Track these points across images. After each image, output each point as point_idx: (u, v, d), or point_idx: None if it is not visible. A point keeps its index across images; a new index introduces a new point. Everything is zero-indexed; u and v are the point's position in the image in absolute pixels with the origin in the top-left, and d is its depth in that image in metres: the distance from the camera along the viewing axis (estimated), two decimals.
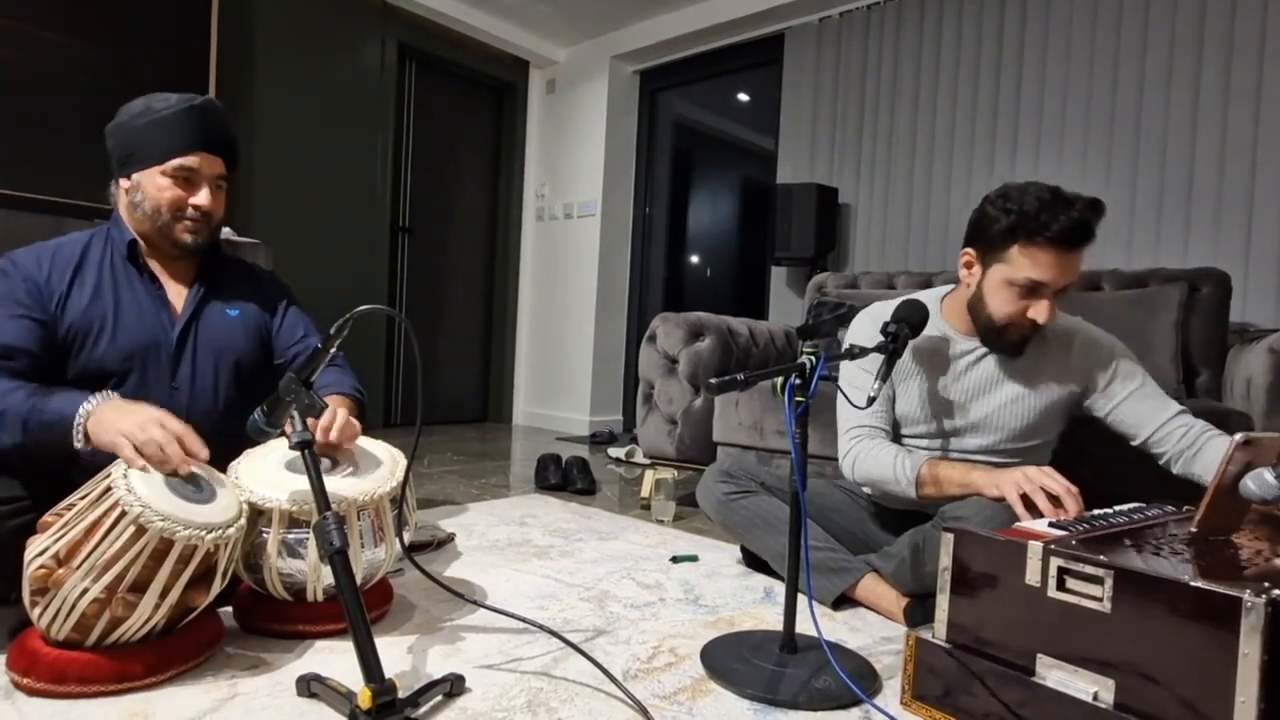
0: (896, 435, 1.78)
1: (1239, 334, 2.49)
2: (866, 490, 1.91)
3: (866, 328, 1.74)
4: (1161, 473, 1.62)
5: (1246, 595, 0.91)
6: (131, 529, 1.15)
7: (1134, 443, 1.65)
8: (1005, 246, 1.52)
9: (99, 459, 1.27)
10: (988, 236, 1.55)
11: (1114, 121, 3.13)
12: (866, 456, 1.69)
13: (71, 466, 1.37)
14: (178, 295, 1.59)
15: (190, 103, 1.51)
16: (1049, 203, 1.47)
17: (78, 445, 1.28)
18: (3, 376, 1.34)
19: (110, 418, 1.27)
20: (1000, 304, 1.56)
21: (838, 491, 1.93)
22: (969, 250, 1.62)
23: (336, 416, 1.45)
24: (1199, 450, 1.57)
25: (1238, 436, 1.18)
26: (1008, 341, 1.62)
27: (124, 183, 1.53)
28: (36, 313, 1.42)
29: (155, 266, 1.58)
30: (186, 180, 1.52)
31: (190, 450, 1.28)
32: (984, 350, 1.69)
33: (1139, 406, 1.63)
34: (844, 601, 1.73)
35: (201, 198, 1.53)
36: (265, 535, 1.39)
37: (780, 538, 1.79)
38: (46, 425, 1.29)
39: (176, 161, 1.49)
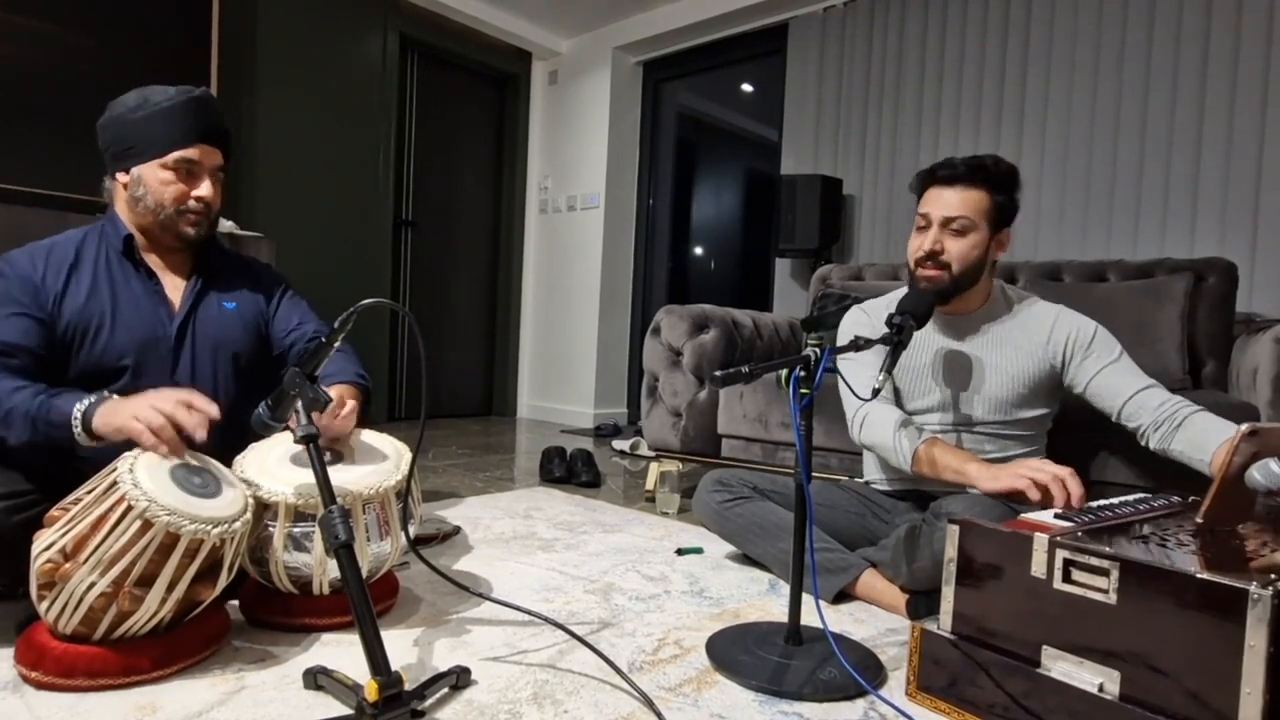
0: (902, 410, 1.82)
1: (1245, 324, 2.48)
2: (870, 476, 1.93)
3: (860, 322, 1.87)
4: (1167, 464, 1.62)
5: (1253, 587, 0.91)
6: (138, 523, 1.15)
7: (1112, 417, 1.69)
8: (917, 203, 1.76)
9: (107, 453, 1.27)
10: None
11: (1120, 110, 3.11)
12: (873, 420, 1.75)
13: (79, 461, 1.37)
14: (175, 289, 1.59)
15: (189, 94, 1.51)
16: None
17: (80, 442, 1.29)
18: (7, 375, 1.34)
19: (116, 407, 1.28)
20: (908, 246, 1.75)
21: (835, 489, 1.93)
22: None
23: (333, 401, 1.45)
24: (1180, 425, 1.58)
25: (1244, 427, 1.17)
26: (919, 290, 1.68)
27: (122, 177, 1.52)
28: (35, 311, 1.42)
29: (152, 260, 1.57)
30: (188, 173, 1.51)
31: (199, 407, 1.29)
32: (959, 327, 1.78)
33: (1113, 380, 1.68)
34: (844, 598, 1.73)
35: (204, 189, 1.53)
36: (271, 529, 1.39)
37: (777, 543, 1.81)
38: (53, 424, 1.29)
39: (178, 154, 1.49)
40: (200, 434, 1.28)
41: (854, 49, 3.92)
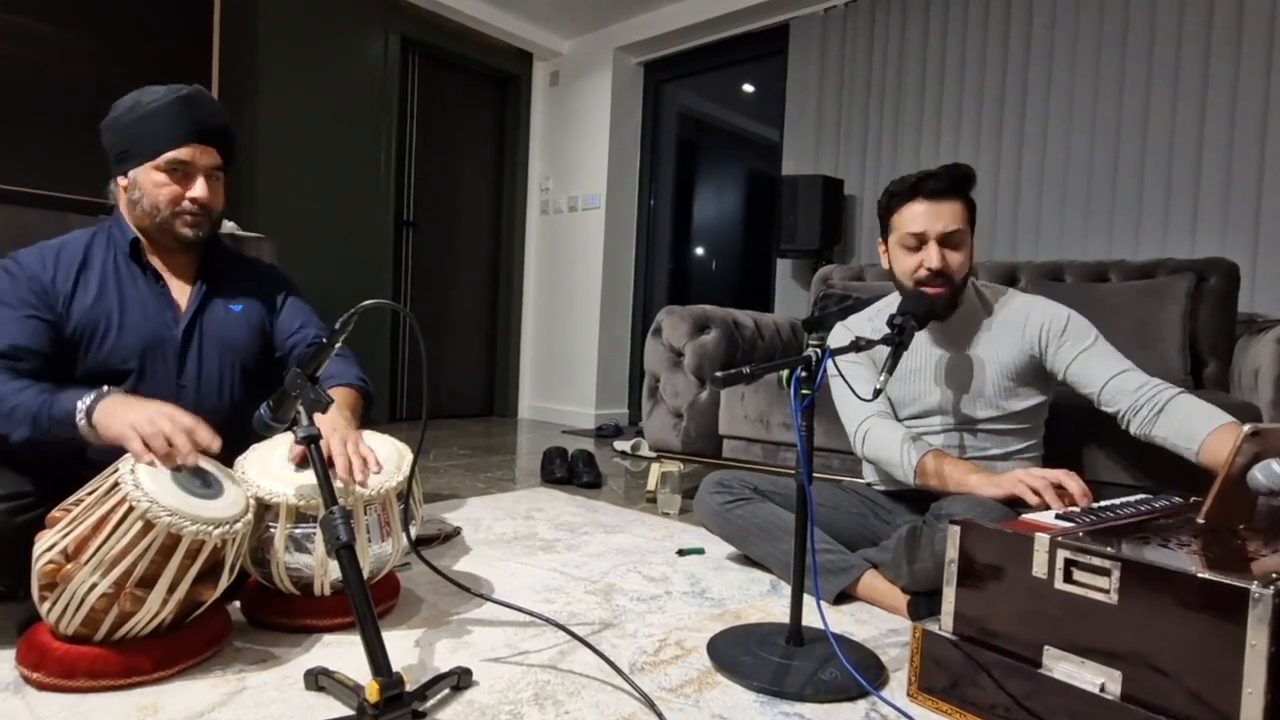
0: (897, 419, 1.84)
1: (1247, 324, 2.48)
2: (870, 478, 1.93)
3: (843, 338, 1.84)
4: (1169, 465, 1.62)
5: (1254, 586, 0.91)
6: (139, 524, 1.15)
7: (1093, 403, 1.69)
8: (889, 219, 1.75)
9: (109, 454, 1.27)
10: (881, 222, 1.79)
11: (1121, 111, 3.11)
12: (876, 435, 1.76)
13: (81, 463, 1.37)
14: (181, 292, 1.59)
15: (177, 94, 1.48)
16: (911, 175, 1.71)
17: (88, 438, 1.29)
18: (13, 377, 1.34)
19: (119, 411, 1.28)
20: (901, 266, 1.73)
21: (837, 490, 1.93)
22: (880, 241, 1.82)
23: (350, 455, 1.42)
24: (1160, 410, 1.58)
25: (1246, 428, 1.17)
26: (929, 305, 1.68)
27: (122, 180, 1.52)
28: (43, 312, 1.42)
29: (158, 263, 1.57)
30: (181, 174, 1.50)
31: (202, 442, 1.29)
32: (937, 332, 1.79)
33: (1089, 365, 1.68)
34: (846, 599, 1.73)
35: (197, 190, 1.50)
36: (272, 530, 1.39)
37: (778, 544, 1.82)
38: (56, 420, 1.29)
39: (169, 155, 1.47)
40: (192, 460, 1.28)
41: (855, 49, 3.92)
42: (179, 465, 1.26)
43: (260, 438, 1.45)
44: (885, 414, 1.80)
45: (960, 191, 1.67)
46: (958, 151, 3.53)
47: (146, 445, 1.24)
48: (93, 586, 1.15)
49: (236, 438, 1.48)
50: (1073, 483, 1.48)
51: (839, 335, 1.90)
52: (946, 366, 1.78)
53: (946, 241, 1.66)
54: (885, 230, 1.77)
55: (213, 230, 1.59)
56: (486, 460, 3.54)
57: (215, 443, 1.31)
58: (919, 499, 1.81)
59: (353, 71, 4.24)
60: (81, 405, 1.28)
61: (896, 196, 1.72)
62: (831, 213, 3.71)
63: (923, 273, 1.68)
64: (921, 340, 1.81)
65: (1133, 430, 1.63)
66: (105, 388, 1.33)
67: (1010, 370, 1.73)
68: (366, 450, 1.47)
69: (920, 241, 1.68)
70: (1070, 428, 1.90)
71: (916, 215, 1.68)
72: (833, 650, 1.27)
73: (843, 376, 1.59)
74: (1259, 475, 1.17)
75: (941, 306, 1.70)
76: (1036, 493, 1.49)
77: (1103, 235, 3.15)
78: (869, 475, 1.95)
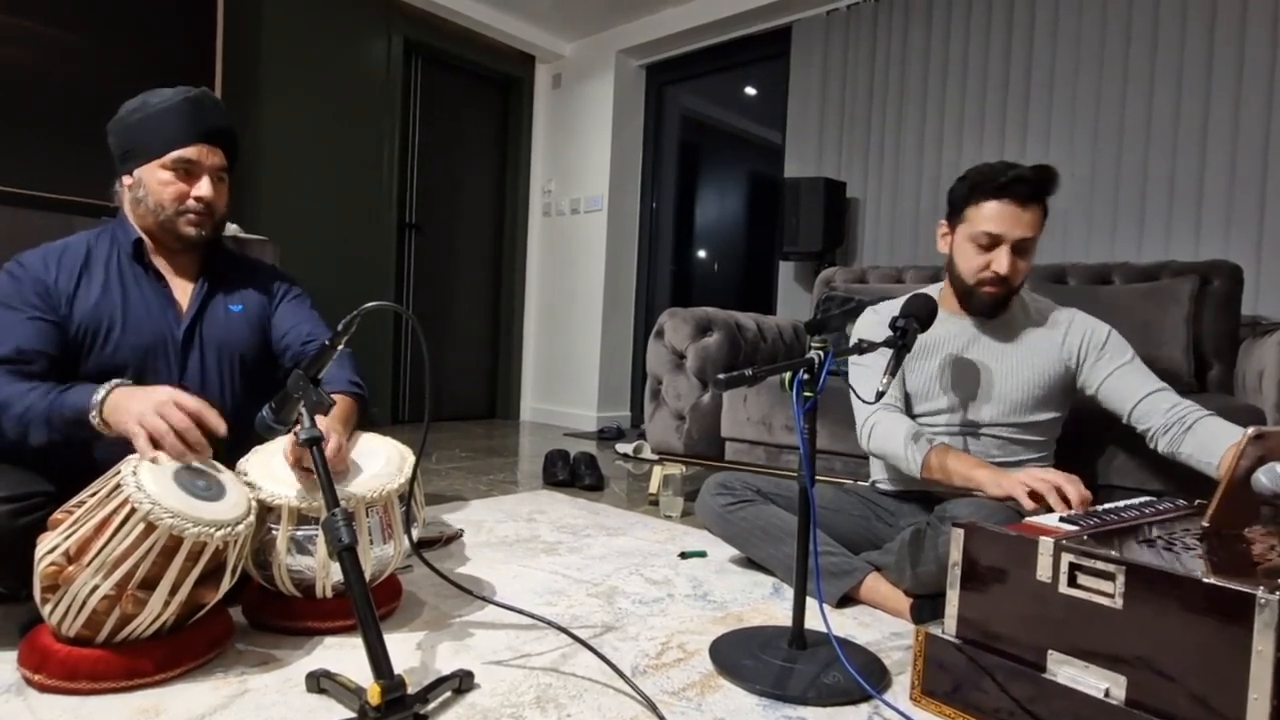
0: (909, 412, 1.83)
1: (1251, 327, 2.47)
2: (877, 476, 1.92)
3: (872, 324, 1.84)
4: (1173, 467, 1.62)
5: (1260, 592, 0.90)
6: (141, 526, 1.15)
7: (1122, 419, 1.69)
8: (964, 208, 1.69)
9: (114, 456, 1.28)
10: (952, 205, 1.73)
11: (1125, 113, 3.11)
12: (882, 429, 1.75)
13: (85, 465, 1.37)
14: (183, 291, 1.59)
15: (186, 95, 1.51)
16: (998, 167, 1.64)
17: (103, 433, 1.29)
18: (20, 379, 1.35)
19: (125, 403, 1.28)
20: (966, 261, 1.70)
21: (839, 493, 1.92)
22: (942, 223, 1.78)
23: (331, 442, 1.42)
24: (1189, 428, 1.58)
25: (1250, 430, 1.17)
26: (982, 302, 1.70)
27: (126, 179, 1.54)
28: (48, 314, 1.43)
29: (160, 263, 1.58)
30: (186, 173, 1.51)
31: (210, 426, 1.29)
32: (975, 329, 1.78)
33: (1125, 382, 1.68)
34: (848, 602, 1.72)
35: (202, 188, 1.52)
36: (274, 532, 1.39)
37: (781, 546, 1.81)
38: (69, 420, 1.30)
39: (175, 154, 1.49)
40: (206, 453, 1.28)
41: (858, 52, 3.92)
42: (188, 464, 1.27)
43: (262, 439, 1.44)
44: (894, 408, 1.79)
45: (1042, 198, 1.63)
46: (960, 153, 3.53)
47: (155, 443, 1.25)
48: (94, 588, 1.15)
49: (238, 438, 1.48)
50: (1073, 488, 1.46)
51: (867, 320, 1.89)
52: (974, 368, 1.76)
53: (1018, 248, 1.63)
54: (955, 216, 1.72)
55: (215, 231, 1.60)
56: (488, 462, 3.54)
57: (221, 427, 1.31)
58: (922, 501, 1.80)
59: (355, 73, 4.25)
60: (94, 402, 1.29)
61: (979, 189, 1.65)
62: (834, 215, 3.71)
63: (988, 274, 1.66)
64: (950, 340, 1.79)
65: (1160, 448, 1.63)
66: (113, 381, 1.34)
67: (1041, 381, 1.72)
68: (345, 460, 1.46)
69: (994, 243, 1.64)
70: (1076, 432, 1.90)
71: (996, 215, 1.63)
72: (835, 654, 1.27)
73: (844, 378, 1.59)
74: (1263, 478, 1.17)
75: (990, 307, 1.71)
76: (1039, 497, 1.47)
77: (1105, 237, 3.15)
78: (876, 473, 1.94)
